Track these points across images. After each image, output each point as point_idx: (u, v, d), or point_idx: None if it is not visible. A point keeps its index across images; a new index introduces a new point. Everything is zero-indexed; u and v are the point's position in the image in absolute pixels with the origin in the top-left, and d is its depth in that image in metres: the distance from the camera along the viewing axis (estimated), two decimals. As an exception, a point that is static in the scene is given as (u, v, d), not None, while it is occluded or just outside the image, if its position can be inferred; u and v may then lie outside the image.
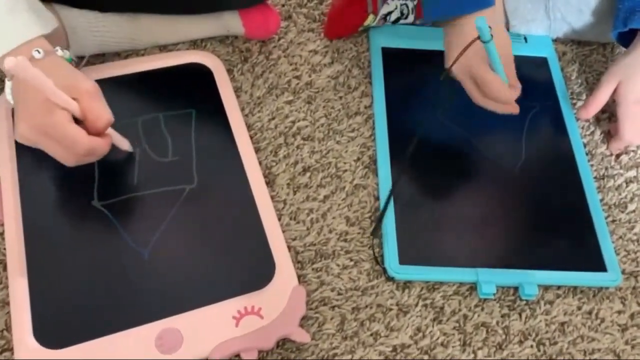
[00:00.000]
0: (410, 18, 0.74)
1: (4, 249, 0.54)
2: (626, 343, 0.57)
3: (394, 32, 0.74)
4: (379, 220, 0.59)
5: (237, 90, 0.68)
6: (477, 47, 0.57)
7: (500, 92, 0.60)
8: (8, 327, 0.51)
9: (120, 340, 0.50)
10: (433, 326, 0.56)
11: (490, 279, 0.57)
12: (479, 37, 0.55)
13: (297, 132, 0.66)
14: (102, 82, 0.64)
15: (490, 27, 0.55)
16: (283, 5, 0.76)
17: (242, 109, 0.66)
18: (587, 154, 0.68)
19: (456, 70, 0.62)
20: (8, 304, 0.52)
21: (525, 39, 0.76)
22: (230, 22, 0.69)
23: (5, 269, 0.54)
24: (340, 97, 0.69)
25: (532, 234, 0.62)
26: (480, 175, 0.65)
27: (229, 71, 0.69)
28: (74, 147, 0.50)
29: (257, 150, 0.64)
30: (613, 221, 0.64)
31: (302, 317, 0.53)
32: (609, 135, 0.71)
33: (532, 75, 0.73)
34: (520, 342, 0.56)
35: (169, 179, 0.59)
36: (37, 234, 0.55)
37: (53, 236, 0.55)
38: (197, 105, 0.64)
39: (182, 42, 0.70)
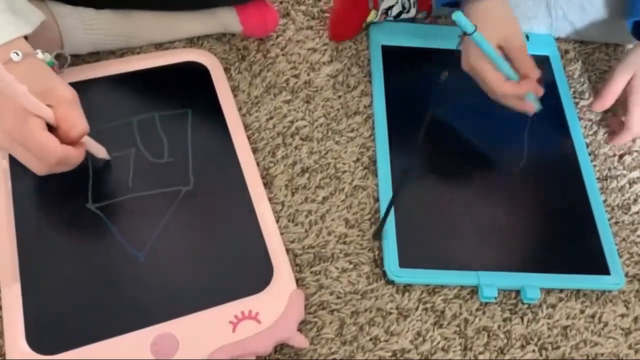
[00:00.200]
0: (412, 12, 0.73)
1: (-4, 252, 0.54)
2: (630, 347, 0.56)
3: (394, 29, 0.73)
4: (381, 223, 0.58)
5: (235, 90, 0.67)
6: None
7: (494, 85, 0.60)
8: (0, 333, 0.51)
9: (115, 345, 0.49)
10: (434, 330, 0.55)
11: (492, 282, 0.56)
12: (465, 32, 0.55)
13: (296, 132, 0.65)
14: (96, 81, 0.64)
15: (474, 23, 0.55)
16: (281, 3, 0.75)
17: (240, 109, 0.65)
18: (589, 155, 0.68)
19: (466, 68, 0.62)
20: (0, 308, 0.51)
21: (527, 37, 0.75)
22: (228, 20, 0.68)
23: (-3, 272, 0.53)
24: (340, 96, 0.68)
25: (534, 236, 0.61)
26: (482, 176, 0.64)
27: (226, 70, 0.68)
28: (46, 156, 0.49)
29: (255, 150, 0.63)
30: (616, 223, 0.63)
31: (300, 322, 0.53)
32: (611, 133, 0.70)
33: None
34: (522, 347, 0.55)
35: (164, 180, 0.58)
36: (30, 237, 0.54)
37: (46, 239, 0.54)
38: (193, 105, 0.63)
39: (179, 40, 0.69)
